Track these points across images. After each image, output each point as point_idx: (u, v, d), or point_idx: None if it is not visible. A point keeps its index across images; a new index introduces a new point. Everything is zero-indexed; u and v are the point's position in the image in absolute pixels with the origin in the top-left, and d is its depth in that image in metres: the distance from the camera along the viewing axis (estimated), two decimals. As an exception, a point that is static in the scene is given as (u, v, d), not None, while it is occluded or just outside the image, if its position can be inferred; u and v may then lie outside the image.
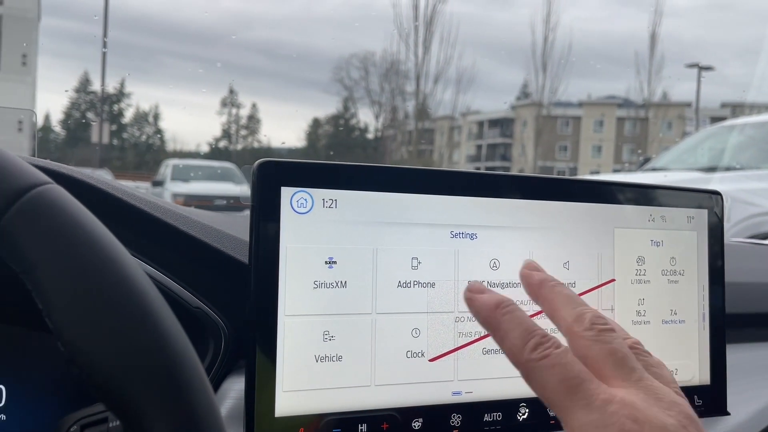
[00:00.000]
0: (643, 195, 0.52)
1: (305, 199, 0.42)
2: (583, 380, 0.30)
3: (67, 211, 0.26)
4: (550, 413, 0.47)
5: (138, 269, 0.27)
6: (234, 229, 0.50)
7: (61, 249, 0.25)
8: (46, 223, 0.26)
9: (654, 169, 4.77)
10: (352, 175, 0.43)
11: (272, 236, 0.41)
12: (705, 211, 0.54)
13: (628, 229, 0.51)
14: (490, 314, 0.35)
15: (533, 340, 0.32)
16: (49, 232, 0.26)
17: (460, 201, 0.45)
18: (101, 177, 0.46)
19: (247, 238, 0.41)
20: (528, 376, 0.32)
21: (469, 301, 0.37)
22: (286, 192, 0.41)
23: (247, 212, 0.41)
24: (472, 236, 0.46)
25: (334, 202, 0.42)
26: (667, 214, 0.52)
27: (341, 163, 0.43)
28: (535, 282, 0.38)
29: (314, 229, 0.42)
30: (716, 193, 0.54)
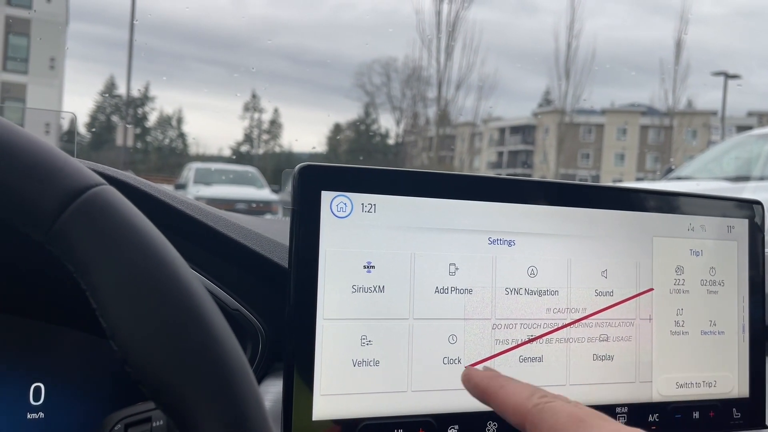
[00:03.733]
0: (683, 204, 0.51)
1: (345, 204, 0.42)
2: (587, 413, 0.31)
3: (122, 212, 0.27)
4: (587, 423, 0.47)
5: (189, 270, 0.27)
6: (271, 233, 0.50)
7: (117, 249, 0.26)
8: (102, 223, 0.26)
9: (679, 178, 4.71)
10: (392, 180, 0.43)
11: (312, 240, 0.41)
12: (746, 221, 0.53)
13: (667, 238, 0.50)
14: (485, 382, 0.35)
15: (537, 391, 0.33)
16: (104, 233, 0.26)
17: (499, 207, 0.45)
18: (139, 179, 0.47)
19: (284, 241, 0.42)
20: (537, 420, 0.32)
21: (465, 378, 0.36)
22: (326, 196, 0.41)
23: (279, 216, 0.41)
24: (510, 243, 0.45)
25: (373, 206, 0.42)
26: (706, 223, 0.51)
27: (381, 168, 0.43)
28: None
29: (353, 233, 0.42)
30: (757, 202, 0.54)
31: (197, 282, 0.27)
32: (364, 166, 0.43)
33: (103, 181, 0.27)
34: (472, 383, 0.36)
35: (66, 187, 0.26)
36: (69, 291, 0.29)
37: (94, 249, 0.26)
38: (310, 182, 0.41)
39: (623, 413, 0.48)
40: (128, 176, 0.43)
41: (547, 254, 0.46)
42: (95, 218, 0.26)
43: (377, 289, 0.42)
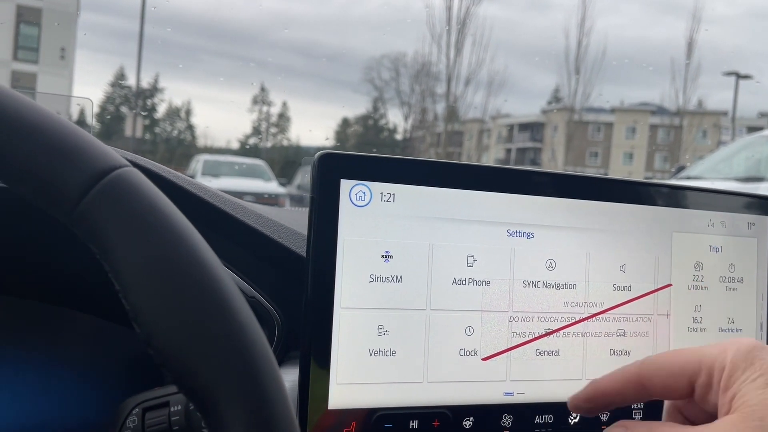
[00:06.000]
0: (703, 199, 0.50)
1: (364, 193, 0.41)
2: None
3: (146, 194, 0.26)
4: (602, 418, 0.46)
5: (212, 254, 0.27)
6: (288, 222, 0.50)
7: (141, 231, 0.25)
8: (127, 205, 0.26)
9: (689, 178, 4.69)
10: (411, 170, 0.43)
11: (330, 228, 0.41)
12: (766, 218, 0.52)
13: (687, 234, 0.49)
14: None
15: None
16: (128, 215, 0.26)
17: (518, 199, 0.45)
18: (158, 165, 0.46)
19: (300, 230, 0.41)
20: None
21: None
22: (345, 185, 0.41)
23: (296, 207, 0.41)
24: (529, 235, 0.45)
25: (392, 196, 0.42)
26: (727, 219, 0.51)
27: (400, 157, 0.43)
28: None
29: (372, 222, 0.42)
30: (778, 199, 0.53)
31: (221, 267, 0.27)
32: (384, 155, 0.42)
33: (127, 162, 0.27)
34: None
35: (91, 167, 0.26)
36: (85, 276, 0.28)
37: (118, 230, 0.25)
38: (329, 170, 0.41)
39: (639, 409, 0.48)
40: (148, 161, 0.42)
41: (565, 247, 0.46)
42: (120, 200, 0.26)
43: (395, 278, 0.42)
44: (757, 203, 0.52)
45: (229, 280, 0.27)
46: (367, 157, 0.42)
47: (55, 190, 0.25)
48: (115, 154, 0.27)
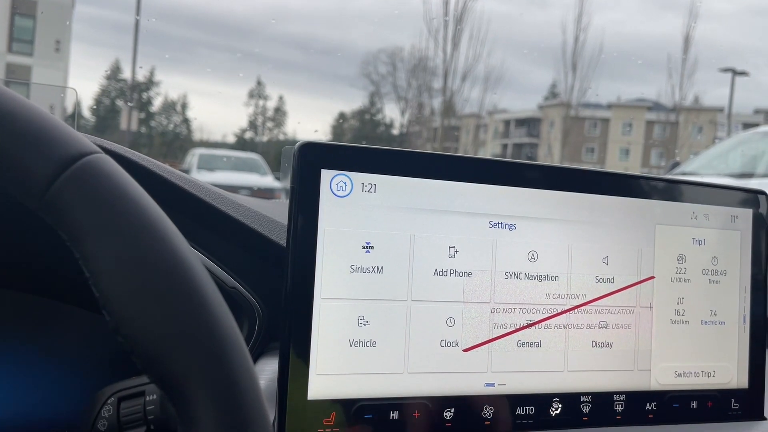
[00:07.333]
0: (687, 192, 0.50)
1: (345, 183, 0.41)
2: None
3: (116, 181, 0.26)
4: (584, 410, 0.47)
5: (184, 241, 0.27)
6: (271, 212, 0.50)
7: (110, 218, 0.25)
8: (96, 191, 0.25)
9: (683, 174, 4.69)
10: (393, 160, 0.42)
11: (311, 219, 0.40)
12: (750, 211, 0.52)
13: (670, 226, 0.49)
14: None
15: None
16: (98, 201, 0.25)
17: (500, 190, 0.45)
18: (139, 154, 0.46)
19: (284, 221, 0.41)
20: None
21: None
22: (326, 175, 0.41)
23: (281, 200, 0.41)
24: (511, 227, 0.45)
25: (374, 186, 0.42)
26: (710, 212, 0.51)
27: (382, 148, 0.42)
28: None
29: (352, 213, 0.41)
30: (762, 192, 0.53)
31: (192, 253, 0.26)
32: (366, 146, 0.42)
33: (98, 149, 0.27)
34: None
35: (60, 153, 0.26)
36: (63, 265, 0.28)
37: (87, 217, 0.25)
38: (310, 160, 0.41)
39: (621, 401, 0.48)
40: (128, 150, 0.42)
41: (548, 239, 0.46)
42: (89, 186, 0.25)
43: (376, 269, 0.42)
44: (741, 196, 0.52)
45: (200, 267, 0.27)
46: (348, 147, 0.42)
47: (24, 175, 0.25)
48: (86, 140, 0.27)
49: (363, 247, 0.42)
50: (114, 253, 0.25)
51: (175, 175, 0.44)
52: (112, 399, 0.34)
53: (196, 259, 0.27)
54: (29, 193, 0.25)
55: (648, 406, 0.48)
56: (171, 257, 0.26)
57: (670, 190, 0.50)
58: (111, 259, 0.25)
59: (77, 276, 0.26)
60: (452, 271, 0.43)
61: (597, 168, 0.50)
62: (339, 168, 0.41)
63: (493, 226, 0.45)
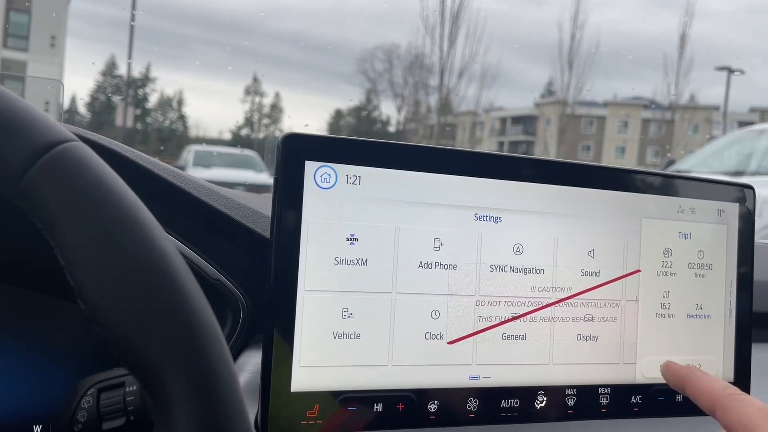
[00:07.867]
0: (673, 186, 0.50)
1: (329, 174, 0.41)
2: None
3: (93, 169, 0.26)
4: (569, 403, 0.47)
5: (160, 230, 0.27)
6: (255, 204, 0.49)
7: (85, 206, 0.25)
8: (71, 179, 0.25)
9: (679, 172, 4.71)
10: (377, 152, 0.42)
11: (295, 210, 0.40)
12: (736, 205, 0.52)
13: (656, 220, 0.50)
14: (685, 371, 0.41)
15: (731, 386, 0.37)
16: (73, 189, 0.25)
17: (486, 183, 0.45)
18: (123, 145, 0.46)
19: (268, 213, 0.41)
20: (728, 406, 0.36)
21: (665, 368, 0.43)
22: (310, 166, 0.41)
23: (269, 194, 0.41)
24: (497, 219, 0.45)
25: (358, 178, 0.42)
26: (696, 206, 0.51)
27: (367, 140, 0.42)
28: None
29: (337, 204, 0.41)
30: (748, 186, 0.53)
31: (168, 241, 0.26)
32: (350, 137, 0.42)
33: (74, 137, 0.27)
34: (671, 371, 0.42)
35: (35, 141, 0.25)
36: (41, 255, 0.28)
37: (62, 205, 0.25)
38: (294, 151, 0.40)
39: (606, 394, 0.48)
40: (103, 138, 0.42)
41: (533, 232, 0.46)
42: (64, 174, 0.25)
43: (360, 261, 0.42)
44: (728, 190, 0.52)
45: (177, 256, 0.27)
46: (333, 139, 0.42)
47: None
48: (62, 128, 0.27)
49: (347, 239, 0.41)
50: (88, 242, 0.25)
51: (155, 165, 0.44)
52: (92, 390, 0.34)
53: (172, 248, 0.26)
54: (4, 180, 0.25)
55: (633, 399, 0.49)
56: (147, 245, 0.25)
57: (657, 184, 0.50)
58: (86, 248, 0.25)
59: (54, 265, 0.26)
60: (437, 264, 0.43)
61: (581, 161, 0.50)
62: (323, 160, 0.41)
63: (479, 218, 0.44)
